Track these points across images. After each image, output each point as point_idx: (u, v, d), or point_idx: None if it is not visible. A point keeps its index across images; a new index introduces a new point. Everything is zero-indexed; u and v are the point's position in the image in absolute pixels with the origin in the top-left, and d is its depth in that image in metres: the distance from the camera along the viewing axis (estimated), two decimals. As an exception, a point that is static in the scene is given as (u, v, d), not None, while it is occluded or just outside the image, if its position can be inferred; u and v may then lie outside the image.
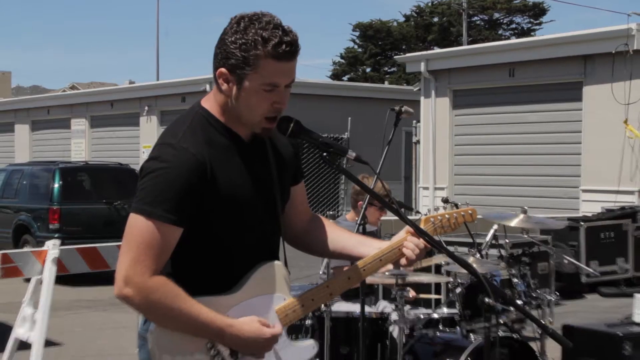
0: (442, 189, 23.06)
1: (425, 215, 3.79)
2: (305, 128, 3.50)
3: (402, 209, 3.78)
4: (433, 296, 9.89)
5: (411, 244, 3.58)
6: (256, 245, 3.52)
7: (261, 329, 3.38)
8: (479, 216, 4.11)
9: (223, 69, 3.37)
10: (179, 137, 3.37)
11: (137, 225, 3.28)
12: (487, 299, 6.31)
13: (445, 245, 3.68)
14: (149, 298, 3.26)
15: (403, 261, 3.60)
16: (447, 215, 3.75)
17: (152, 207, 3.26)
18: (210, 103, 3.49)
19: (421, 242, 3.57)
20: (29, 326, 9.21)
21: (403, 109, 6.96)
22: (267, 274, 3.51)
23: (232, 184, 3.40)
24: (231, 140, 3.46)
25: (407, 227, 3.62)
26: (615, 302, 14.28)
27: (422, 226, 3.67)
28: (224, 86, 3.39)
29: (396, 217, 3.59)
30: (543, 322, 3.81)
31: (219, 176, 3.36)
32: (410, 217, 3.73)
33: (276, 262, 3.57)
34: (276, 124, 3.45)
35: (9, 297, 14.44)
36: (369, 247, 3.67)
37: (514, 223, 7.99)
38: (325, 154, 3.48)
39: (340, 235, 3.80)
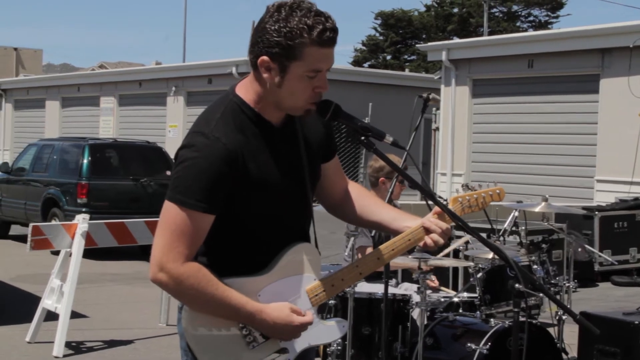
0: (460, 175, 23.19)
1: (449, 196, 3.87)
2: (344, 111, 3.51)
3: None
4: (452, 292, 10.00)
5: (432, 225, 3.62)
6: (287, 228, 3.56)
7: (290, 316, 3.43)
8: (500, 203, 4.07)
9: (265, 57, 3.36)
10: (212, 126, 3.39)
11: (171, 213, 3.36)
12: (517, 285, 6.29)
13: (474, 229, 3.65)
14: (182, 284, 3.34)
15: (428, 241, 3.64)
16: (475, 195, 3.78)
17: (184, 196, 3.33)
18: (245, 90, 3.50)
19: (443, 223, 3.62)
20: (57, 298, 9.48)
21: (431, 96, 7.00)
22: (298, 255, 3.55)
23: (263, 170, 3.44)
24: (263, 128, 3.48)
25: (435, 208, 3.66)
26: (627, 291, 14.36)
27: (450, 206, 3.71)
28: (266, 74, 3.38)
29: (416, 202, 3.67)
30: (570, 309, 3.77)
31: (250, 164, 3.40)
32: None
33: (306, 243, 3.60)
34: (316, 107, 3.48)
35: (35, 269, 14.67)
36: (403, 223, 3.72)
37: (537, 209, 8.08)
38: (363, 137, 3.51)
39: (376, 208, 3.83)
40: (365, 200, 3.86)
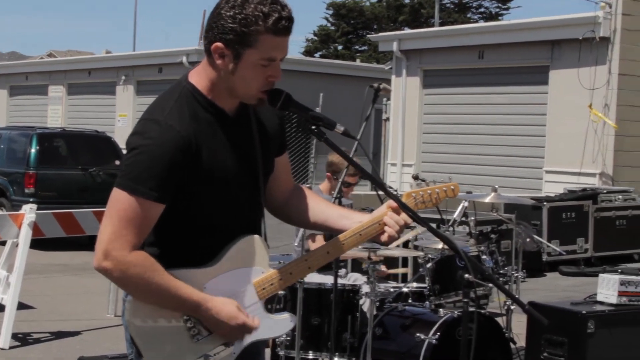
0: (410, 165, 23.25)
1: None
2: (295, 101, 3.47)
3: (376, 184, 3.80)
4: (401, 270, 9.88)
5: (391, 221, 3.57)
6: (237, 219, 3.52)
7: (237, 312, 3.39)
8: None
9: (219, 44, 3.33)
10: (166, 113, 3.35)
11: (120, 200, 3.30)
12: (467, 275, 6.31)
13: (424, 220, 3.60)
14: (128, 272, 3.29)
15: (384, 237, 3.59)
16: (429, 191, 3.71)
17: (135, 183, 3.27)
18: (198, 77, 3.47)
19: (401, 219, 3.57)
20: (3, 289, 9.38)
21: (382, 86, 6.97)
22: (246, 247, 3.50)
23: (215, 159, 3.40)
24: (216, 116, 3.44)
25: (389, 202, 3.59)
26: (574, 281, 14.47)
27: (403, 200, 3.62)
28: (219, 61, 3.36)
29: (365, 192, 3.60)
30: (519, 299, 3.76)
31: (202, 152, 3.36)
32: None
33: (255, 235, 3.54)
34: (267, 96, 3.42)
35: (-20, 260, 14.71)
36: (350, 221, 3.67)
37: (486, 200, 8.11)
38: (314, 127, 3.46)
39: (322, 207, 3.78)
40: (310, 200, 3.81)
